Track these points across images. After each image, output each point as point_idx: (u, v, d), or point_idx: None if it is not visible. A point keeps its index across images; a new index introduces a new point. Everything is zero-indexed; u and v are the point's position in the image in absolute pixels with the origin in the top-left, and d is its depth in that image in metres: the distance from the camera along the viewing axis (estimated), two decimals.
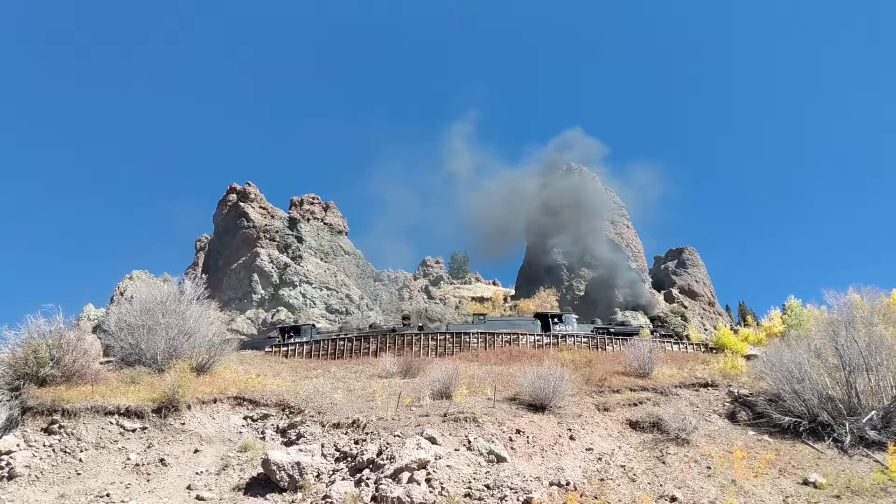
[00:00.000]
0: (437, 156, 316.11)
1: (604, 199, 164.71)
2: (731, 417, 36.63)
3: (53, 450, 28.98)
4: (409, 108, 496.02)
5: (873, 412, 33.75)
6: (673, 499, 25.91)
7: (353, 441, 30.39)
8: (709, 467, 29.50)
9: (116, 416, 31.37)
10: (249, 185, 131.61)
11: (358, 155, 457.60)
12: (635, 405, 36.88)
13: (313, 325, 68.05)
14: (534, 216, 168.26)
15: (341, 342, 57.68)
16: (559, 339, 57.82)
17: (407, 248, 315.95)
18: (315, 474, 27.59)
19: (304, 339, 59.65)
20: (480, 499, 25.27)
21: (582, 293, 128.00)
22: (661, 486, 27.42)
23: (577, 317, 74.71)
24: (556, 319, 65.91)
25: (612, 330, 65.29)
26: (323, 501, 25.42)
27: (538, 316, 68.26)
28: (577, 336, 59.68)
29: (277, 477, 26.84)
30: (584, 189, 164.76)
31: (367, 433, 30.75)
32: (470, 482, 26.38)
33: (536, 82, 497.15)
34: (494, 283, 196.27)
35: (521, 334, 58.47)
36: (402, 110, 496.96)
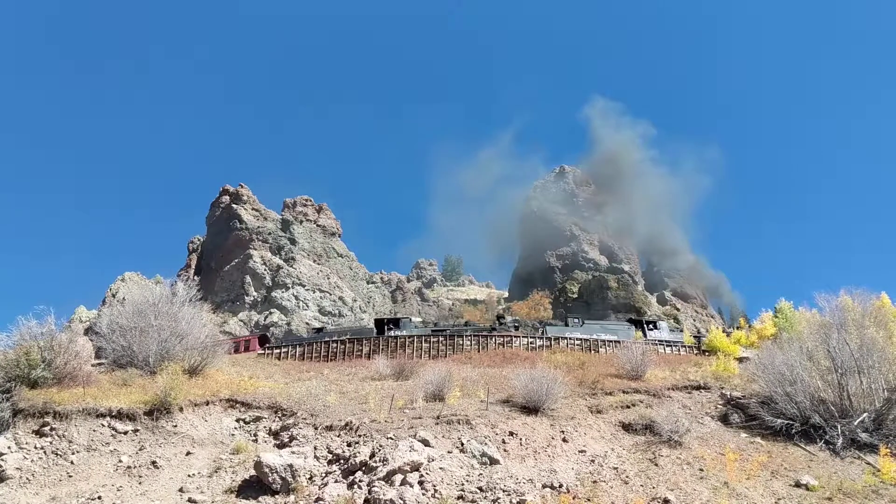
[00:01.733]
0: (479, 162, 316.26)
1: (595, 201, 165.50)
2: (724, 420, 36.68)
3: (45, 452, 28.85)
4: (462, 108, 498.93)
5: (865, 414, 33.83)
6: (665, 501, 25.94)
7: (345, 443, 30.35)
8: (701, 469, 29.53)
9: (108, 418, 31.25)
10: (242, 186, 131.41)
11: (412, 150, 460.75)
12: (628, 407, 36.88)
13: (410, 319, 67.57)
14: (529, 220, 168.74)
15: (334, 344, 57.52)
16: (552, 342, 57.75)
17: (474, 216, 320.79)
18: (308, 477, 27.55)
19: (404, 333, 59.25)
20: (473, 501, 25.26)
21: (575, 295, 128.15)
22: (653, 488, 27.45)
23: (670, 325, 74.71)
24: (651, 326, 65.82)
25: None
26: None
27: (634, 321, 68.11)
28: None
29: (270, 479, 26.77)
30: (575, 195, 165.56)
31: (359, 435, 30.70)
32: (463, 484, 26.37)
33: (582, 79, 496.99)
34: (488, 286, 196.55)
35: (619, 342, 57.88)
36: (456, 109, 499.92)
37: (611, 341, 57.88)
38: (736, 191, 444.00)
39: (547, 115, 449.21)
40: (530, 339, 57.88)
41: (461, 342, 56.89)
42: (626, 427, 34.70)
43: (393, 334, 58.71)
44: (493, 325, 65.19)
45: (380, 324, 62.49)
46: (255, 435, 33.02)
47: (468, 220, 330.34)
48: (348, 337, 58.97)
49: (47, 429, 29.78)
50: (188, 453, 30.26)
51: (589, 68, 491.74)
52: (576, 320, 66.90)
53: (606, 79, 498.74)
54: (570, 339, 58.00)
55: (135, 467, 28.71)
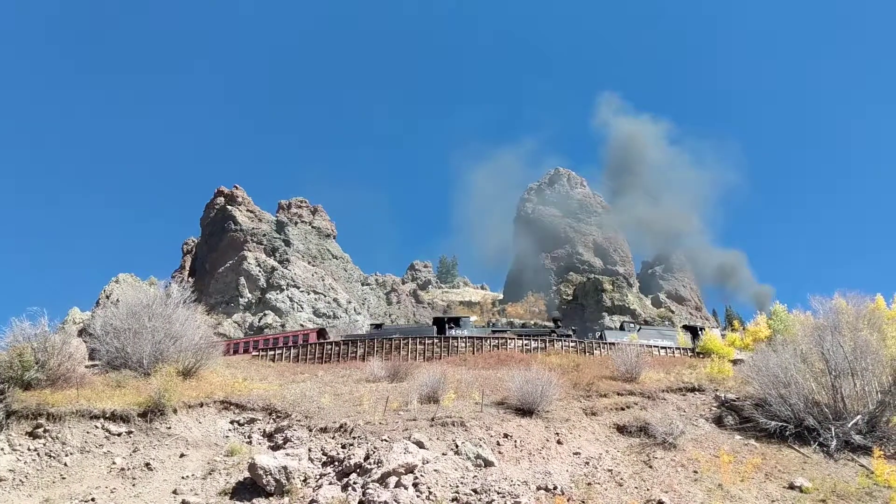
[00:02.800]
0: (494, 166, 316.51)
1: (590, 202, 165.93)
2: (718, 422, 36.75)
3: (38, 454, 28.74)
4: (468, 110, 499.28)
5: (859, 417, 33.95)
6: (660, 503, 25.98)
7: (340, 445, 30.31)
8: (696, 471, 29.59)
9: (102, 420, 31.15)
10: (237, 187, 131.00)
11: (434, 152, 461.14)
12: (622, 409, 36.93)
13: (469, 319, 68.15)
14: (524, 222, 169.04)
15: (328, 346, 57.40)
16: (547, 344, 57.65)
17: (476, 218, 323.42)
18: (302, 479, 27.49)
19: (465, 333, 59.31)
20: (468, 503, 25.25)
21: (570, 297, 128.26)
22: (648, 490, 27.49)
23: (722, 331, 74.82)
24: (703, 332, 65.86)
25: None
26: None
27: (688, 328, 68.11)
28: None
29: (264, 481, 26.71)
30: (570, 197, 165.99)
31: (354, 437, 30.66)
32: (457, 486, 26.35)
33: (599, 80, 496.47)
34: (483, 288, 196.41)
35: (664, 348, 57.58)
36: (470, 112, 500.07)
37: (666, 347, 58.02)
38: (737, 190, 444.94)
39: (566, 123, 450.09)
40: (525, 341, 57.80)
41: (456, 344, 56.75)
42: (621, 429, 34.74)
43: (454, 334, 59.04)
44: (552, 328, 66.37)
45: (440, 322, 62.91)
46: (250, 437, 32.95)
47: (471, 222, 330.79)
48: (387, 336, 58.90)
49: (40, 430, 29.66)
50: (182, 455, 30.17)
51: (603, 72, 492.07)
52: (631, 325, 67.43)
53: (622, 81, 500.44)
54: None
55: (128, 469, 28.61)
